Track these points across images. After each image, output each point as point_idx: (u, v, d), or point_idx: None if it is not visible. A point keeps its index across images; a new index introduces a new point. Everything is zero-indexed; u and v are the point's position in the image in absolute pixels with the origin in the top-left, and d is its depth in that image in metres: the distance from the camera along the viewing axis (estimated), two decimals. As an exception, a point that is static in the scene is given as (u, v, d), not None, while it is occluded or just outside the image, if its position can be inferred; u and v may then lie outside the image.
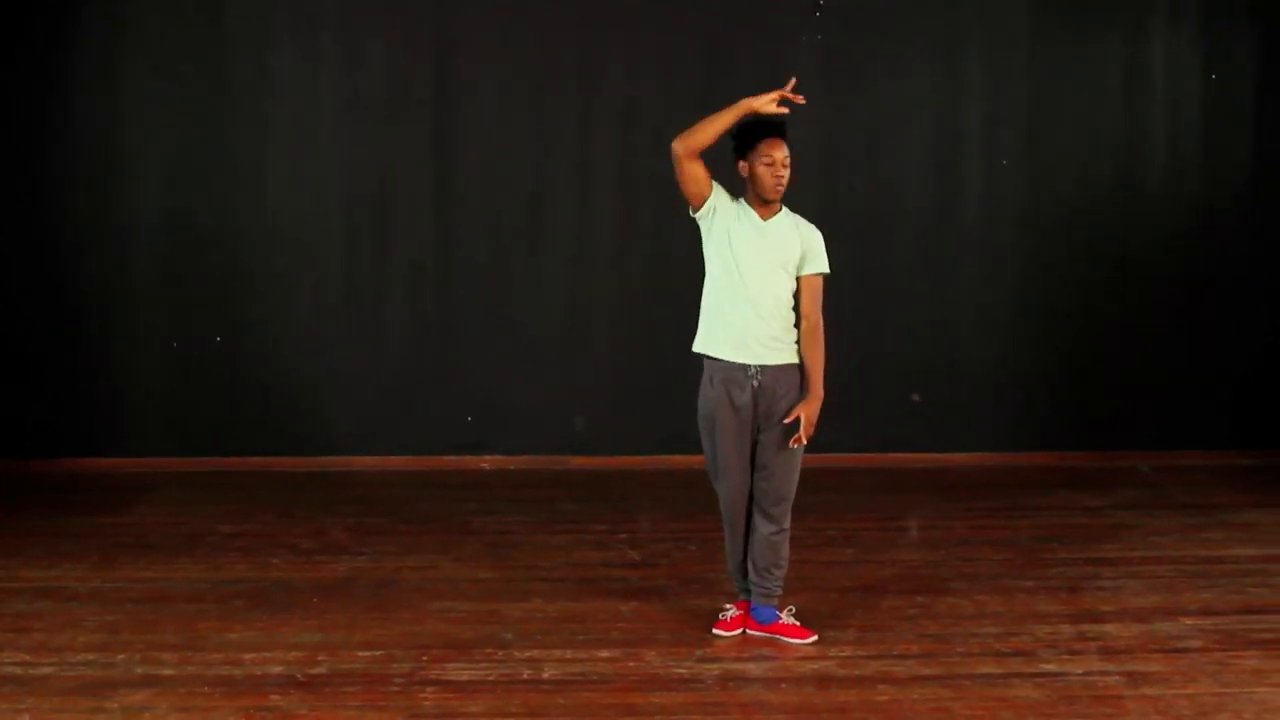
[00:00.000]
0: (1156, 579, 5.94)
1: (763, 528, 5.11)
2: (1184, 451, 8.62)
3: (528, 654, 4.96)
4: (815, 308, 5.07)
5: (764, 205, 5.07)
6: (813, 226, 5.15)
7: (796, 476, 5.13)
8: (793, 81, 4.86)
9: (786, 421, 4.96)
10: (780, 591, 5.19)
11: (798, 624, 5.14)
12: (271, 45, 8.33)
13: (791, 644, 5.06)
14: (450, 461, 8.45)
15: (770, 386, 5.01)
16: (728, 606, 5.28)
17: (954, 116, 8.58)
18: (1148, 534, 6.77)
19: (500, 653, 4.98)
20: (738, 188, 5.11)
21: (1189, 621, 5.34)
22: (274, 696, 4.54)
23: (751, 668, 4.84)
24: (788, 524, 5.16)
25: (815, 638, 5.09)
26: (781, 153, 4.99)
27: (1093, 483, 7.94)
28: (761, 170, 4.98)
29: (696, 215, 5.08)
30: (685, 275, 8.48)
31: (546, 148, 8.47)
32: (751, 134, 5.02)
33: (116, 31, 8.23)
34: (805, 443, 4.99)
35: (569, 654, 4.97)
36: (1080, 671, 4.78)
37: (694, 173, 4.96)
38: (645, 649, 5.01)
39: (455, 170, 8.43)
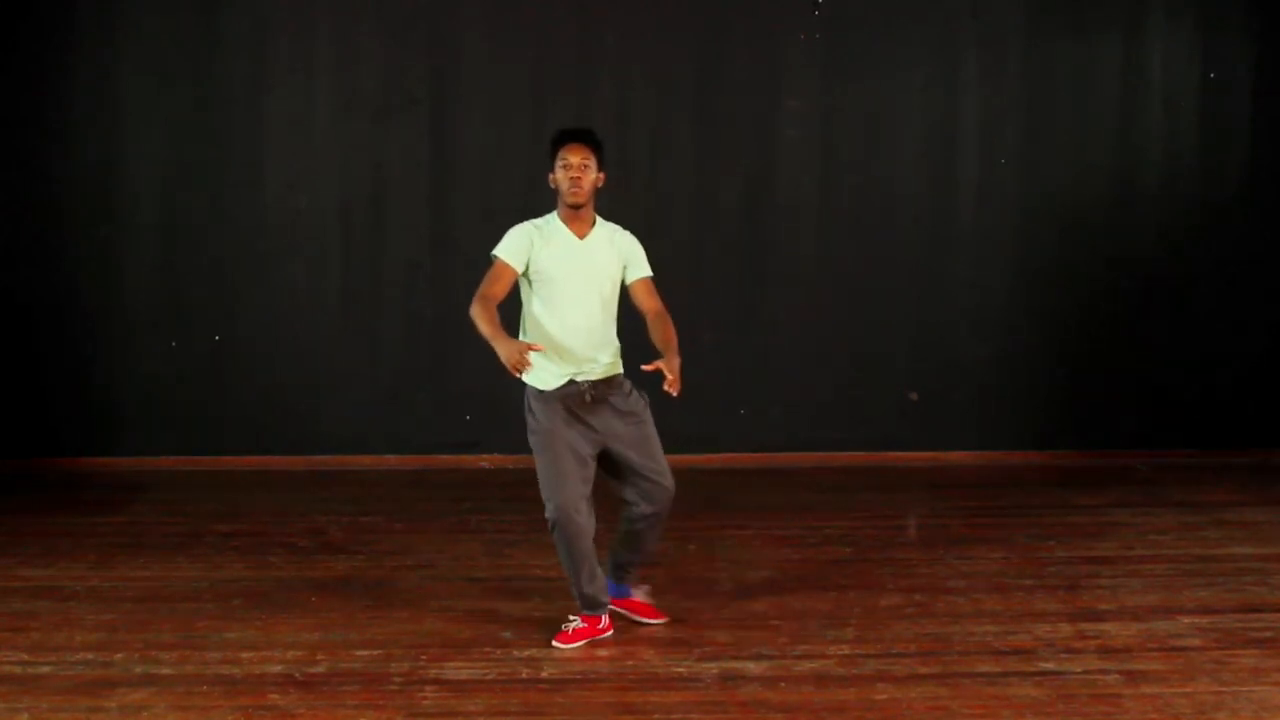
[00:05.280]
0: (1154, 578, 5.95)
1: (645, 517, 5.18)
2: (1180, 450, 8.63)
3: (526, 653, 4.97)
4: (654, 301, 5.15)
5: (575, 216, 5.10)
6: (629, 235, 5.20)
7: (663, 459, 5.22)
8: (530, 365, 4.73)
9: (646, 369, 4.88)
10: (637, 574, 5.35)
11: (651, 604, 5.28)
12: (267, 44, 8.32)
13: (642, 621, 5.23)
14: (448, 460, 8.44)
15: (604, 399, 5.06)
16: (572, 618, 5.16)
17: (951, 115, 8.58)
18: (1145, 533, 6.78)
19: (499, 651, 4.99)
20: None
21: (1187, 620, 5.34)
22: (272, 695, 4.54)
23: (750, 666, 4.84)
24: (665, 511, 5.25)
25: (666, 619, 5.24)
26: (576, 157, 5.06)
27: (1089, 481, 7.95)
28: (559, 174, 5.09)
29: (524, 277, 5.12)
30: (681, 274, 8.54)
31: (542, 147, 8.41)
32: (554, 145, 5.14)
33: (112, 31, 8.21)
34: (678, 387, 4.83)
35: (567, 653, 4.97)
36: (1079, 670, 4.78)
37: (504, 292, 5.01)
38: (644, 648, 5.02)
39: (451, 169, 8.43)
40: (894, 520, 7.11)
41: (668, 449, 8.41)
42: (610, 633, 5.15)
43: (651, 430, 5.22)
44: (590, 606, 5.11)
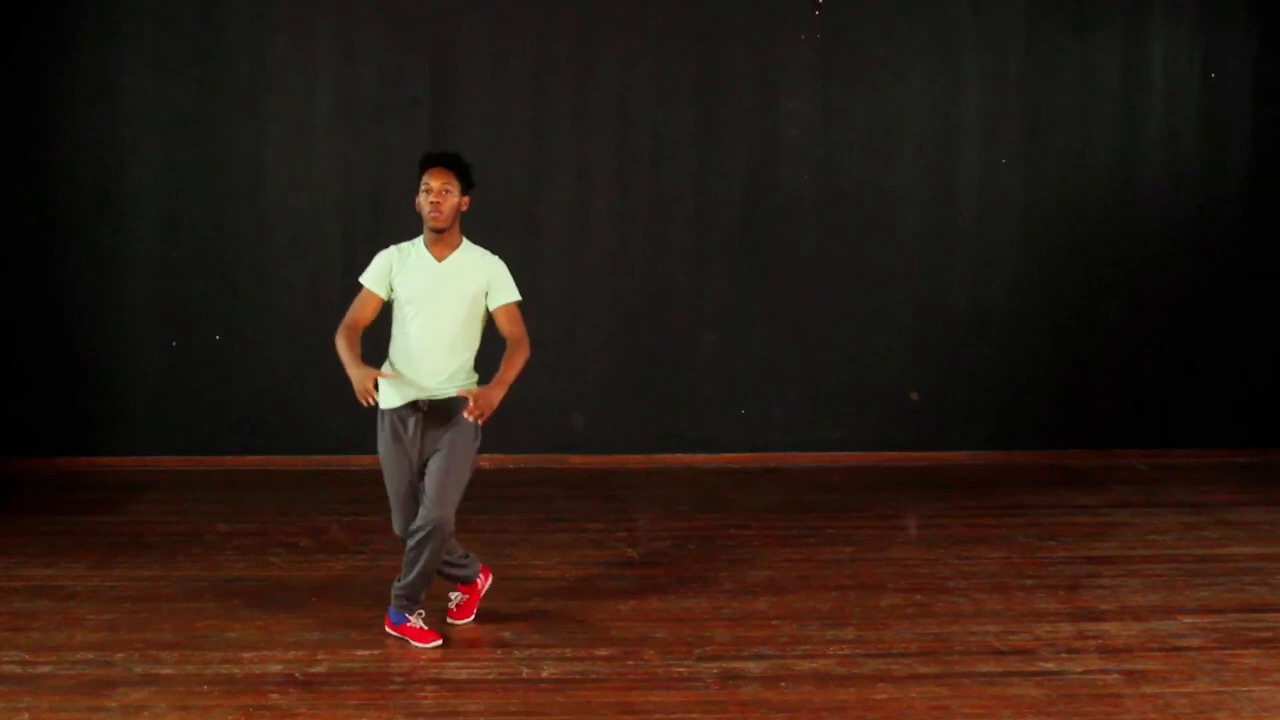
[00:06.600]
0: (1155, 577, 5.95)
1: (413, 541, 5.04)
2: (1181, 450, 8.63)
3: (527, 653, 4.97)
4: (516, 329, 5.06)
5: (438, 239, 5.11)
6: (496, 259, 5.17)
7: (454, 498, 5.02)
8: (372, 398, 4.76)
9: (457, 394, 4.94)
10: (416, 604, 5.13)
11: (425, 628, 5.11)
12: (268, 45, 8.32)
13: (417, 645, 5.05)
14: (448, 460, 8.43)
15: (437, 412, 5.02)
16: (454, 594, 5.39)
17: (952, 115, 8.58)
18: (1145, 532, 6.78)
19: (499, 651, 4.99)
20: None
21: (1187, 620, 5.35)
22: (273, 695, 4.54)
23: (750, 666, 4.84)
24: (444, 538, 5.03)
25: (440, 641, 5.08)
26: (437, 181, 5.08)
27: (1090, 481, 7.95)
28: (420, 199, 5.11)
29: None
30: (681, 274, 8.55)
31: (542, 147, 8.46)
32: (419, 168, 5.14)
33: (113, 32, 8.21)
34: (478, 415, 4.74)
35: (568, 652, 4.97)
36: (1079, 670, 4.79)
37: (367, 319, 5.10)
38: (644, 648, 5.02)
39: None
40: (894, 520, 7.11)
41: (670, 449, 8.57)
42: (489, 579, 5.49)
43: (457, 464, 5.03)
44: (467, 580, 5.32)
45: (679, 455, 8.52)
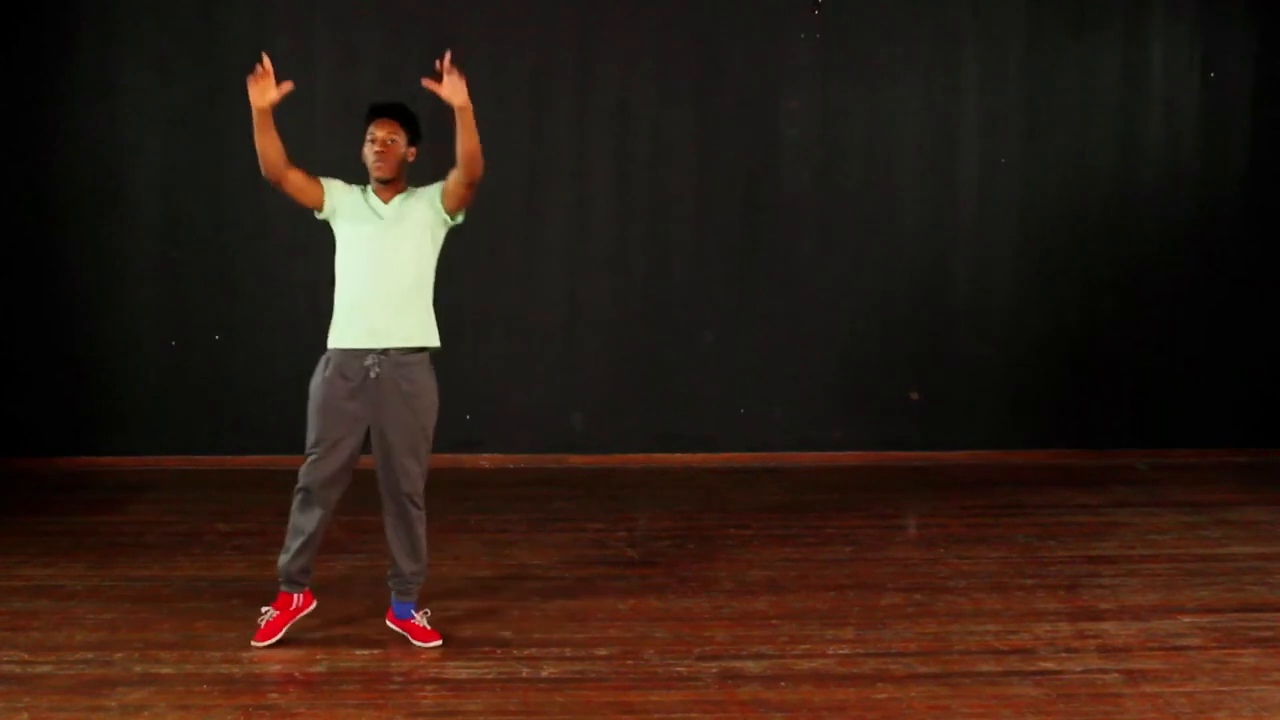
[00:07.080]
0: (1155, 577, 5.95)
1: (388, 519, 5.08)
2: (1181, 450, 8.63)
3: (526, 652, 4.96)
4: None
5: (385, 189, 5.11)
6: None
7: (424, 468, 5.06)
8: (265, 62, 5.00)
9: (443, 65, 4.94)
10: (417, 589, 5.12)
11: (427, 627, 5.07)
12: (267, 44, 8.24)
13: (419, 645, 5.00)
14: (448, 460, 8.38)
15: (391, 378, 4.93)
16: (265, 609, 5.11)
17: (951, 115, 8.58)
18: (1145, 532, 6.78)
19: (499, 651, 4.99)
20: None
21: (1187, 619, 5.35)
22: (273, 695, 4.54)
23: (750, 666, 4.83)
24: (423, 515, 5.08)
25: (440, 640, 5.04)
26: (383, 131, 5.08)
27: (1090, 481, 7.95)
28: (366, 150, 5.11)
29: (323, 219, 5.13)
30: (682, 273, 8.56)
31: (542, 147, 8.46)
32: (365, 120, 5.14)
33: (113, 32, 8.21)
34: (449, 69, 5.03)
35: (567, 652, 4.97)
36: (1079, 669, 4.78)
37: (295, 185, 5.09)
38: (643, 647, 5.01)
39: (451, 169, 8.41)
40: (894, 519, 7.11)
41: (670, 449, 8.56)
42: (311, 607, 5.13)
43: (421, 431, 5.01)
44: (287, 582, 5.10)
45: (679, 455, 8.52)
